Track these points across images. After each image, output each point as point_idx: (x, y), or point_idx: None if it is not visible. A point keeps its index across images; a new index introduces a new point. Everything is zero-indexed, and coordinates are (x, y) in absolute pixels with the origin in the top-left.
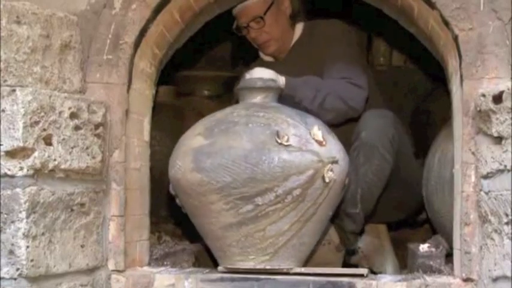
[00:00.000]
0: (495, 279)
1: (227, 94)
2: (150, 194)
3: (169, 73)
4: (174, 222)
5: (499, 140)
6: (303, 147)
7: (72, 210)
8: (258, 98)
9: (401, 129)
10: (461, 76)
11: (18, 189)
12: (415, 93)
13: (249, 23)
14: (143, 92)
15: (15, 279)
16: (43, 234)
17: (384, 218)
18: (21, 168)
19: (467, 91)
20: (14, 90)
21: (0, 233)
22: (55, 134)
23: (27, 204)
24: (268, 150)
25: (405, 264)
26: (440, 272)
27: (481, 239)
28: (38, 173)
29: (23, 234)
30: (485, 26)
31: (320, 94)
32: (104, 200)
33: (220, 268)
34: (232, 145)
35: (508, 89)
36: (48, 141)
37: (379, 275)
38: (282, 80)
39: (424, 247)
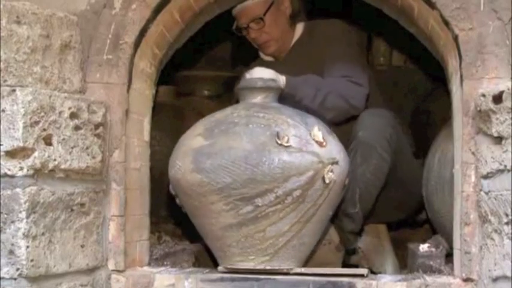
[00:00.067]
0: (495, 279)
1: (227, 94)
2: (150, 194)
3: (169, 73)
4: (174, 222)
5: (499, 140)
6: (303, 148)
7: (72, 210)
8: (258, 98)
9: (400, 128)
10: (461, 76)
11: (18, 189)
12: (415, 93)
13: (249, 23)
14: (143, 92)
15: (15, 279)
16: (43, 234)
17: (383, 218)
18: (21, 168)
19: (467, 91)
20: (14, 90)
21: (0, 233)
22: (55, 134)
23: (27, 204)
24: (268, 151)
25: (405, 264)
26: (440, 272)
27: (481, 239)
28: (38, 173)
29: (23, 234)
30: (485, 26)
31: (321, 93)
32: (104, 200)
33: (220, 268)
34: (233, 146)
35: (508, 89)
36: (48, 141)
37: (379, 275)
38: (282, 79)
39: (424, 247)
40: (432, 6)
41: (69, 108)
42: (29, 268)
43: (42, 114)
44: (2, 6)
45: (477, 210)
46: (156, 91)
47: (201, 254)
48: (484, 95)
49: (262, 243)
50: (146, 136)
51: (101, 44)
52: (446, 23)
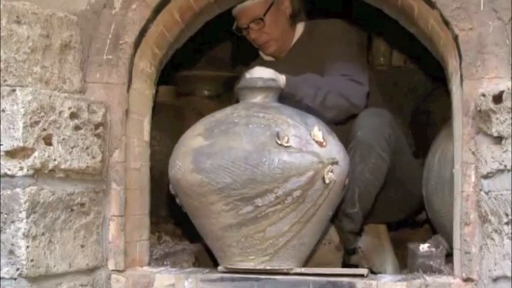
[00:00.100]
0: (495, 279)
1: (227, 94)
2: (150, 194)
3: (169, 73)
4: (174, 222)
5: (499, 140)
6: (303, 148)
7: (72, 210)
8: (258, 98)
9: (399, 128)
10: (461, 76)
11: (18, 189)
12: (415, 93)
13: (249, 24)
14: (143, 92)
15: (15, 279)
16: (43, 234)
17: (383, 218)
18: (21, 168)
19: (467, 91)
20: (14, 90)
21: (0, 233)
22: (55, 134)
23: (27, 204)
24: (268, 151)
25: (405, 264)
26: (440, 272)
27: (481, 239)
28: (38, 173)
29: (23, 234)
30: (485, 26)
31: (321, 92)
32: (104, 200)
33: (220, 268)
34: (232, 146)
35: (508, 89)
36: (48, 141)
37: (379, 275)
38: (282, 78)
39: (424, 247)
40: (432, 6)
41: (69, 108)
42: (29, 268)
43: (42, 114)
44: (2, 6)
45: (477, 210)
46: (156, 91)
47: (201, 254)
48: (484, 95)
49: (262, 243)
50: (146, 136)
51: (101, 44)
52: (446, 23)
